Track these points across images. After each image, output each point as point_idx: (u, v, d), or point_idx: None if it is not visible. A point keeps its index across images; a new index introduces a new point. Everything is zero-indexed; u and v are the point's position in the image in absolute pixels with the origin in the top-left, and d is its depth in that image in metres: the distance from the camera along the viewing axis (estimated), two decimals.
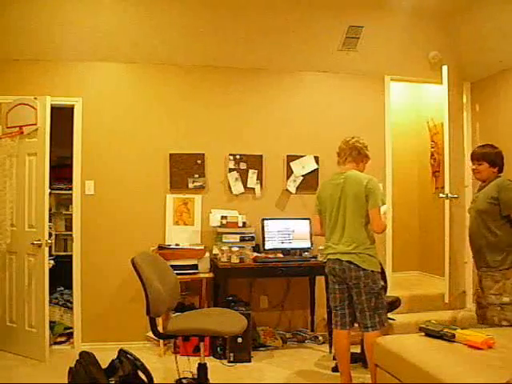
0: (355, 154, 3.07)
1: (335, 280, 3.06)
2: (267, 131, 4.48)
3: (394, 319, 3.92)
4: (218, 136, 4.40)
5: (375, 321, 2.94)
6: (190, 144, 4.33)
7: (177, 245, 4.13)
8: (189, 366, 3.18)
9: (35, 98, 3.81)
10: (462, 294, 4.44)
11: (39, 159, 3.79)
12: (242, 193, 4.41)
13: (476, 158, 3.25)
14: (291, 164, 4.48)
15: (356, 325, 3.10)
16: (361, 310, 2.96)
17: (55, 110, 3.90)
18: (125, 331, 4.10)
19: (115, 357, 2.88)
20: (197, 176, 4.33)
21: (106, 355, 2.93)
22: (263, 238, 4.22)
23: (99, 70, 4.24)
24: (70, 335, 4.21)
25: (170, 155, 4.29)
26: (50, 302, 4.00)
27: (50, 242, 3.85)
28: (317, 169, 4.51)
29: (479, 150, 3.30)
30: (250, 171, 4.41)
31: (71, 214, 4.33)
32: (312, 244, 4.27)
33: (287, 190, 4.49)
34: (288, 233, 4.28)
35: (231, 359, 3.74)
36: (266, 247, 4.21)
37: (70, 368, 2.83)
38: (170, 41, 4.16)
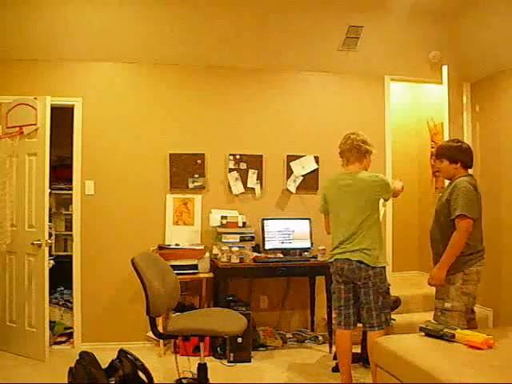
0: (355, 152, 3.06)
1: (341, 280, 3.06)
2: (267, 131, 4.48)
3: (394, 319, 3.92)
4: (218, 136, 4.40)
5: (381, 320, 2.96)
6: (190, 144, 4.33)
7: (177, 245, 4.13)
8: (189, 365, 3.19)
9: (35, 98, 3.81)
10: None
11: (39, 159, 3.79)
12: (242, 193, 4.41)
13: (436, 155, 3.03)
14: (291, 164, 4.48)
15: (360, 324, 3.11)
16: (368, 309, 2.97)
17: (55, 110, 3.90)
18: (125, 331, 4.10)
19: (115, 357, 2.88)
20: (197, 176, 4.33)
21: (106, 355, 2.93)
22: (263, 238, 4.22)
23: (99, 70, 4.24)
24: (70, 335, 4.21)
25: (170, 155, 4.29)
26: (50, 302, 4.00)
27: (50, 242, 3.86)
28: (317, 169, 4.51)
29: (439, 145, 3.09)
30: (250, 171, 4.41)
31: (71, 214, 4.33)
32: (312, 244, 4.27)
33: (287, 189, 4.49)
34: (288, 233, 4.28)
35: (231, 359, 3.74)
36: (266, 247, 4.20)
37: (70, 368, 2.84)
38: (170, 41, 4.16)
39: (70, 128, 4.18)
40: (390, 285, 3.04)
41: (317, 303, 4.39)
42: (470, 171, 3.06)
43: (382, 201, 3.15)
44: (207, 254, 4.06)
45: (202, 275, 4.01)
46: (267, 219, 4.28)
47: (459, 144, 3.01)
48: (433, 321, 2.74)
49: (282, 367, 3.68)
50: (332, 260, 3.11)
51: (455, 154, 2.94)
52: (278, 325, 4.44)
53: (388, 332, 2.98)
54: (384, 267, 3.00)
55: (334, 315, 3.22)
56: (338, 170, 3.28)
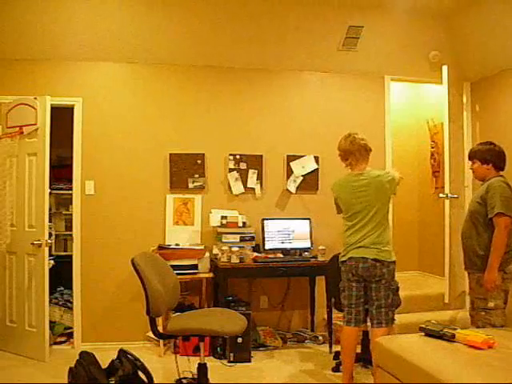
0: (363, 151, 3.10)
1: (353, 279, 3.08)
2: (267, 131, 4.48)
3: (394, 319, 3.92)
4: (218, 136, 4.40)
5: (389, 317, 3.00)
6: (190, 144, 4.33)
7: (177, 245, 4.13)
8: (189, 366, 3.19)
9: (35, 98, 3.81)
10: (461, 294, 4.44)
11: (39, 159, 3.79)
12: (242, 193, 4.41)
13: (469, 157, 3.21)
14: (291, 164, 4.48)
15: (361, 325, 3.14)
16: (378, 305, 3.00)
17: (55, 110, 3.90)
18: (125, 331, 4.10)
19: (115, 357, 2.89)
20: (197, 176, 4.33)
21: (106, 355, 2.94)
22: (263, 238, 4.22)
23: (99, 70, 4.24)
24: (70, 335, 4.21)
25: (170, 155, 4.29)
26: (50, 301, 4.00)
27: (50, 241, 3.85)
28: (317, 169, 4.51)
29: (473, 148, 3.26)
30: (250, 171, 4.41)
31: (71, 214, 4.33)
32: (312, 244, 4.27)
33: (287, 189, 4.49)
34: (288, 233, 4.28)
35: (231, 359, 3.74)
36: (266, 247, 4.21)
37: (70, 368, 2.84)
38: (170, 41, 4.16)
39: (70, 128, 4.18)
40: (399, 283, 3.07)
41: (317, 303, 4.39)
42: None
43: None
44: (207, 254, 4.06)
45: (202, 275, 4.01)
46: (267, 219, 4.28)
47: (491, 146, 3.12)
48: (433, 321, 2.73)
49: (282, 367, 3.68)
50: (345, 259, 3.11)
51: (487, 156, 3.07)
52: (278, 325, 4.44)
53: (388, 332, 2.98)
54: (395, 262, 3.04)
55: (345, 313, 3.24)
56: (338, 169, 3.28)
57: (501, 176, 3.07)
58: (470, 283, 3.15)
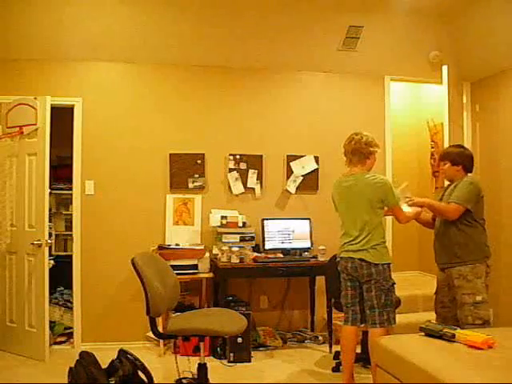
0: (358, 154, 3.09)
1: (347, 278, 3.11)
2: (267, 131, 4.48)
3: None
4: (217, 136, 4.40)
5: (383, 318, 2.98)
6: (190, 144, 4.33)
7: (177, 245, 4.13)
8: (189, 366, 3.19)
9: (35, 98, 3.81)
10: None
11: (39, 159, 3.79)
12: (242, 193, 4.41)
13: (440, 158, 3.32)
14: (291, 164, 4.48)
15: (362, 324, 3.13)
16: (370, 306, 2.99)
17: (55, 109, 3.90)
18: (125, 331, 4.10)
19: (115, 357, 2.88)
20: (197, 176, 4.33)
21: (106, 355, 2.93)
22: (263, 238, 4.22)
23: (99, 70, 4.25)
24: (70, 335, 4.21)
25: (170, 155, 4.29)
26: (50, 301, 4.00)
27: (50, 242, 3.85)
28: (317, 169, 4.51)
29: (444, 149, 3.40)
30: (250, 171, 4.41)
31: (71, 214, 4.33)
32: (312, 244, 4.27)
33: (287, 189, 4.49)
34: (288, 233, 4.28)
35: (231, 359, 3.74)
36: (266, 247, 4.20)
37: (70, 368, 2.84)
38: (169, 41, 4.16)
39: (70, 128, 4.19)
40: (395, 283, 3.06)
41: (317, 303, 4.39)
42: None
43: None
44: (207, 254, 4.06)
45: (202, 275, 4.01)
46: (267, 219, 4.28)
47: (462, 149, 3.29)
48: (433, 321, 2.74)
49: (282, 367, 3.68)
50: (338, 259, 3.16)
51: (457, 158, 3.21)
52: (278, 325, 4.44)
53: (388, 332, 2.98)
54: (388, 264, 3.02)
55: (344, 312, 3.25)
56: (338, 169, 3.28)
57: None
58: (453, 281, 3.10)
